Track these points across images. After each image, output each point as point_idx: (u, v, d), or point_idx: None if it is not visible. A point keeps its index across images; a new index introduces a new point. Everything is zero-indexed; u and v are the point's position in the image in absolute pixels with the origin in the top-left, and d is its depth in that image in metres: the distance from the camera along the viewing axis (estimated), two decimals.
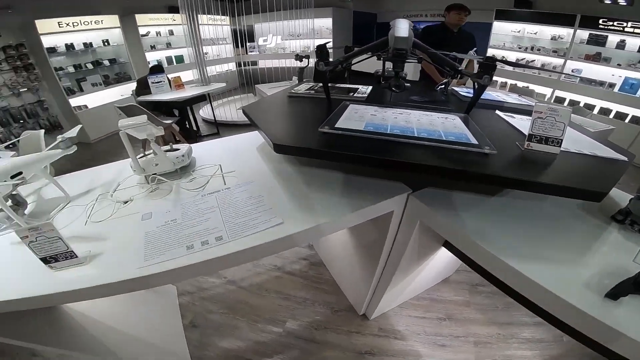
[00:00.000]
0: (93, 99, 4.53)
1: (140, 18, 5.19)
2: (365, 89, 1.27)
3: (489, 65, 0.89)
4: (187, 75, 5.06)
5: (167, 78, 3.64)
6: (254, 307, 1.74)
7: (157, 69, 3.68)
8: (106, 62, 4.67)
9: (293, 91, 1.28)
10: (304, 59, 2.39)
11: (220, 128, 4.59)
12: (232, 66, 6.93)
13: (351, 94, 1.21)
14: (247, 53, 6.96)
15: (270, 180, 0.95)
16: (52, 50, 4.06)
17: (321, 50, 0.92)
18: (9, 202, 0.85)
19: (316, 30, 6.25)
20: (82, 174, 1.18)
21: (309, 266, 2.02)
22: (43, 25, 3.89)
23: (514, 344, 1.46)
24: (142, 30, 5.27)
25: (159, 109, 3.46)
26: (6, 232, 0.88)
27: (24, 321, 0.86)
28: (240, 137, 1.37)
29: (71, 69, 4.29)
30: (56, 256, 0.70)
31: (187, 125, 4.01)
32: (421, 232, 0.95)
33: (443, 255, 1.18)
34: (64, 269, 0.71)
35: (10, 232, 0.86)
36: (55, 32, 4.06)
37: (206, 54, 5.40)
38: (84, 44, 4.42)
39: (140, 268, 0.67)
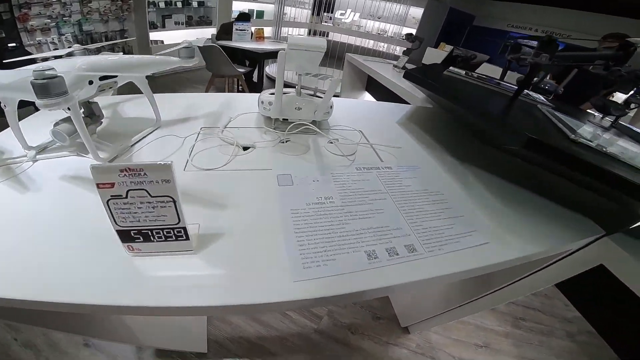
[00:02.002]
0: (171, 36, 4.50)
1: None
2: (537, 96, 1.01)
3: None
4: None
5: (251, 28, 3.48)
6: None
7: (245, 17, 3.56)
8: (194, 4, 4.64)
9: (449, 71, 1.07)
10: (416, 40, 2.11)
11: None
12: (303, 32, 6.70)
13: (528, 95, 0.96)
14: (321, 22, 6.70)
15: (440, 173, 0.69)
16: None
17: (552, 41, 0.74)
18: (82, 111, 0.56)
19: (401, 17, 5.89)
20: (172, 97, 0.92)
21: None
22: None
23: None
24: None
25: (234, 57, 3.32)
26: (57, 154, 0.59)
27: None
28: (359, 103, 1.16)
29: (162, 5, 4.28)
30: (149, 232, 0.38)
31: (254, 79, 3.84)
32: None
33: None
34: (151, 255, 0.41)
35: (65, 156, 0.58)
36: None
37: (285, 14, 5.20)
38: None
39: (296, 282, 0.39)
